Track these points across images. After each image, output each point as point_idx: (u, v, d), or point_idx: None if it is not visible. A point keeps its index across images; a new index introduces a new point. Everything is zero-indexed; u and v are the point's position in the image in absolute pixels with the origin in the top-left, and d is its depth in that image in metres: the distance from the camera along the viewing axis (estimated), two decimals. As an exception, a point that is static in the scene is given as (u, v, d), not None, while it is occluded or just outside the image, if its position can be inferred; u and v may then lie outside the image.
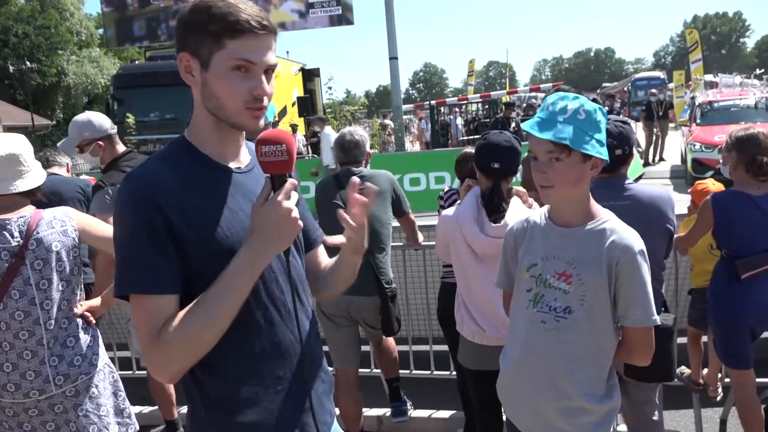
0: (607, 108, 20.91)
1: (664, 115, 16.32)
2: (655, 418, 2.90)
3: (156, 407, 4.17)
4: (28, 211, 2.47)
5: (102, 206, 3.58)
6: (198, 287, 1.36)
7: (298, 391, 1.50)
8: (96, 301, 2.66)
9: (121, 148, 3.73)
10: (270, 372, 1.46)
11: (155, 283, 1.33)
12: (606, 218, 1.91)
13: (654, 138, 16.33)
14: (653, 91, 18.56)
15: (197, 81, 1.41)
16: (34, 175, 2.53)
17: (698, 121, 13.55)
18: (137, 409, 4.36)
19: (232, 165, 1.48)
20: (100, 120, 3.65)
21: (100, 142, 3.61)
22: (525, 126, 1.86)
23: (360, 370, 3.85)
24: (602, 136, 1.86)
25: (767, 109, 12.75)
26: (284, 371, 1.47)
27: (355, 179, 1.56)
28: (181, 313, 1.33)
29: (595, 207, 1.94)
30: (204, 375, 1.42)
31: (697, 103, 14.67)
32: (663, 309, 2.78)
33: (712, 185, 3.89)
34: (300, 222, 1.39)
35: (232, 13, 1.35)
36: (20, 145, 2.50)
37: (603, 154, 1.84)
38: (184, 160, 1.43)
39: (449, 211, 2.90)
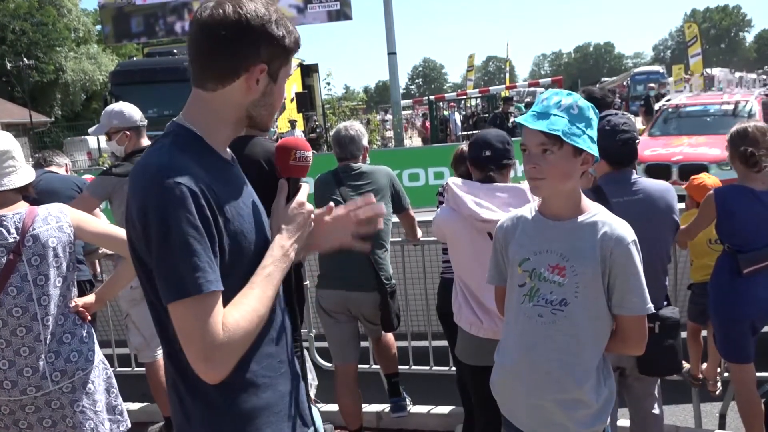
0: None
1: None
2: (655, 411, 2.92)
3: (154, 404, 4.17)
4: (23, 207, 2.46)
5: (96, 190, 3.66)
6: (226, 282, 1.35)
7: (293, 373, 1.57)
8: (90, 298, 2.66)
9: (146, 142, 3.81)
10: (277, 356, 1.52)
11: (217, 279, 1.31)
12: (596, 211, 1.94)
13: None
14: (651, 85, 18.51)
15: (258, 90, 1.43)
16: (24, 172, 2.52)
17: (653, 130, 10.75)
18: (136, 405, 4.36)
19: (227, 157, 1.53)
20: (131, 111, 3.80)
21: (127, 132, 3.76)
22: (519, 119, 1.90)
23: (359, 365, 3.85)
24: (593, 133, 1.90)
25: (749, 115, 9.32)
26: (285, 355, 1.55)
27: (331, 205, 1.70)
28: (233, 309, 1.34)
29: (585, 201, 1.96)
30: None
31: (657, 107, 12.10)
32: (666, 303, 2.78)
33: (708, 179, 3.90)
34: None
35: (296, 30, 1.48)
36: (9, 142, 2.49)
37: (593, 150, 1.88)
38: (198, 152, 1.42)
39: (440, 210, 2.91)
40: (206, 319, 1.29)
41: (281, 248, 1.47)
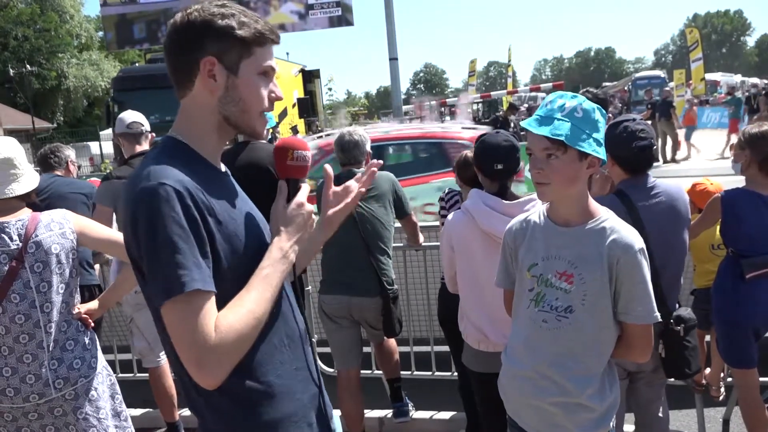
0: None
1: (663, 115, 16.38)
2: (661, 414, 2.91)
3: (156, 410, 4.16)
4: (26, 214, 2.46)
5: (104, 198, 3.75)
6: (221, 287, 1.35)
7: (310, 378, 1.56)
8: (93, 304, 2.66)
9: (140, 148, 3.90)
10: (290, 363, 1.50)
11: (207, 279, 1.30)
12: (605, 217, 1.92)
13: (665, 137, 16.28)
14: (667, 89, 18.60)
15: (219, 85, 1.42)
16: (28, 179, 2.52)
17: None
18: (138, 411, 4.36)
19: (218, 167, 1.53)
20: (125, 118, 3.93)
21: (120, 137, 3.93)
22: (524, 123, 1.89)
23: (361, 371, 3.84)
24: (600, 136, 1.87)
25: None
26: (300, 361, 1.53)
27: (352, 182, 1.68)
28: (228, 311, 1.32)
29: (594, 205, 1.95)
30: (233, 378, 1.37)
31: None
32: (678, 304, 2.78)
33: (711, 185, 3.89)
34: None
35: (258, 22, 1.45)
36: (13, 149, 2.49)
37: (600, 153, 1.86)
38: (187, 160, 1.42)
39: (452, 216, 2.88)
40: (196, 321, 1.27)
41: (280, 250, 1.45)
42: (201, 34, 1.40)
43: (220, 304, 1.33)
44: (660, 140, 16.01)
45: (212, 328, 1.28)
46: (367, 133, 3.99)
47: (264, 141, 3.02)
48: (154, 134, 4.03)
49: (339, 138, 3.75)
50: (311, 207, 1.53)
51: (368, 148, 3.76)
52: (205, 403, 1.42)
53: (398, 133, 7.78)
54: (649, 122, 16.03)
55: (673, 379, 3.83)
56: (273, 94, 1.49)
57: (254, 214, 1.54)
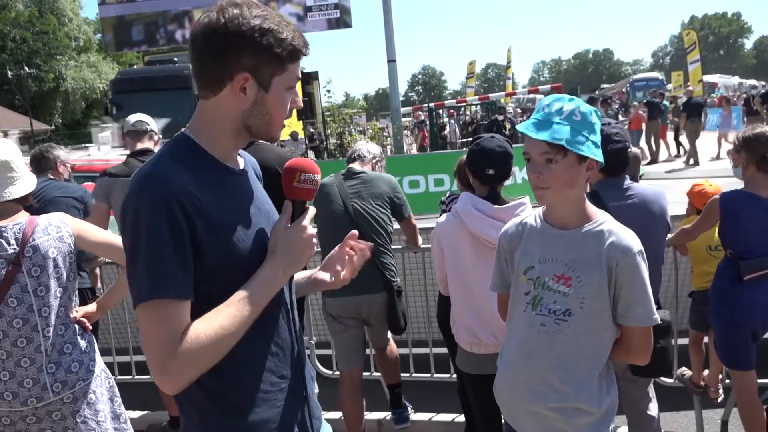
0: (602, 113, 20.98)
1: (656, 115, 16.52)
2: (651, 412, 2.93)
3: (155, 412, 4.16)
4: (23, 217, 2.45)
5: (98, 193, 3.90)
6: (207, 292, 1.35)
7: (296, 388, 1.54)
8: (91, 307, 2.65)
9: (140, 145, 4.00)
10: (276, 370, 1.49)
11: (180, 288, 1.31)
12: (603, 219, 1.91)
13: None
14: (689, 89, 18.69)
15: (248, 99, 1.41)
16: (25, 181, 2.51)
17: None
18: (137, 414, 4.36)
19: (233, 166, 1.51)
20: (131, 118, 4.07)
21: (126, 137, 4.10)
22: (520, 127, 1.87)
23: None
24: (597, 138, 1.87)
25: None
26: (287, 369, 1.52)
27: (354, 232, 1.67)
28: (201, 322, 1.32)
29: (591, 208, 1.94)
30: (214, 380, 1.39)
31: None
32: (657, 306, 2.80)
33: (709, 186, 3.90)
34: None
35: (295, 38, 1.41)
36: (10, 152, 2.48)
37: (598, 155, 1.85)
38: (194, 160, 1.42)
39: (443, 218, 2.90)
40: (163, 327, 1.28)
41: (270, 270, 1.43)
42: (239, 48, 1.36)
43: (208, 308, 1.34)
44: (689, 141, 15.78)
45: (179, 337, 1.29)
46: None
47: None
48: (160, 136, 4.10)
49: (351, 152, 3.95)
50: (313, 231, 1.50)
51: (375, 153, 3.92)
52: (188, 400, 1.44)
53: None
54: (650, 122, 16.13)
55: (671, 381, 3.86)
56: (294, 104, 1.48)
57: (263, 218, 1.51)
